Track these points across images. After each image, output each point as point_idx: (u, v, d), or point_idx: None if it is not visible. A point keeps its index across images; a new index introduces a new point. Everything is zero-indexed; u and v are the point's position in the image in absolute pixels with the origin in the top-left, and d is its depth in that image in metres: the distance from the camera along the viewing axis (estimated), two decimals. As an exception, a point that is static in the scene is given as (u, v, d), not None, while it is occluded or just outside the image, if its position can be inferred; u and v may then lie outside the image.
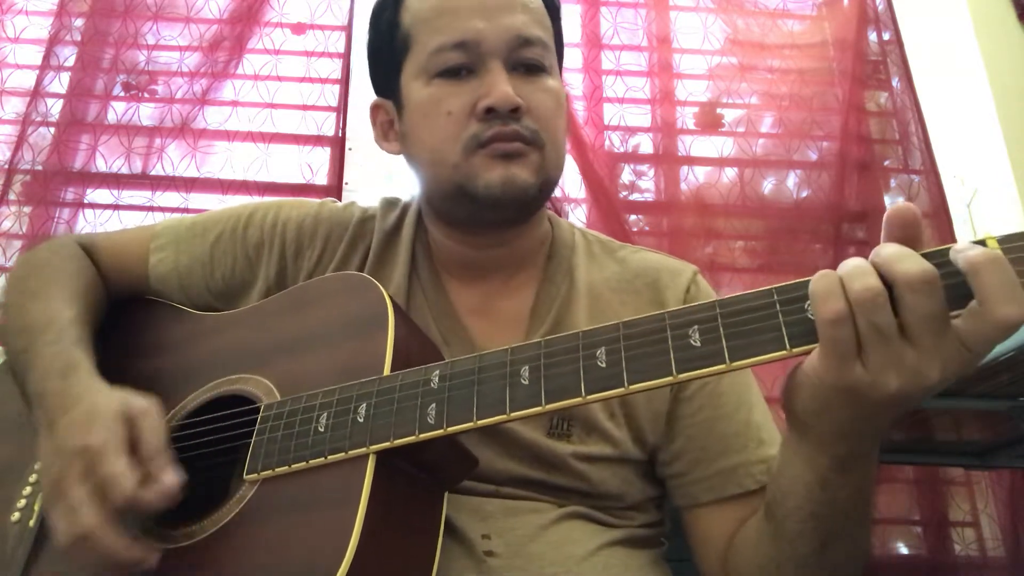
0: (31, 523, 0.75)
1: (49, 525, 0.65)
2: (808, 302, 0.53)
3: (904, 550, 1.81)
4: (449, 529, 0.74)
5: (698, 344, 0.55)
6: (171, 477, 0.65)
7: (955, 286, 0.50)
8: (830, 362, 0.52)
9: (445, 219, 0.88)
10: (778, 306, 0.54)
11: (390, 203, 0.96)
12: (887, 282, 0.51)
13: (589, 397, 0.58)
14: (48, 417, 0.70)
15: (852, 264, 0.52)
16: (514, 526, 0.75)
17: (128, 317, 0.93)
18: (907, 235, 0.53)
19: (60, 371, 0.74)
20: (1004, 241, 0.50)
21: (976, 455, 1.62)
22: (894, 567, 1.79)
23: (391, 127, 0.90)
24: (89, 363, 0.76)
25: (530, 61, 0.83)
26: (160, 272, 0.93)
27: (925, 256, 0.51)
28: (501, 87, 0.79)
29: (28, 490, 0.77)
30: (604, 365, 0.58)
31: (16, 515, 0.76)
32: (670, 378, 0.55)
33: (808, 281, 0.54)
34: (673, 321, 0.57)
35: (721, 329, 0.55)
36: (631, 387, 0.56)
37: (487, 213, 0.82)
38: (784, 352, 0.53)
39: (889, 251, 0.52)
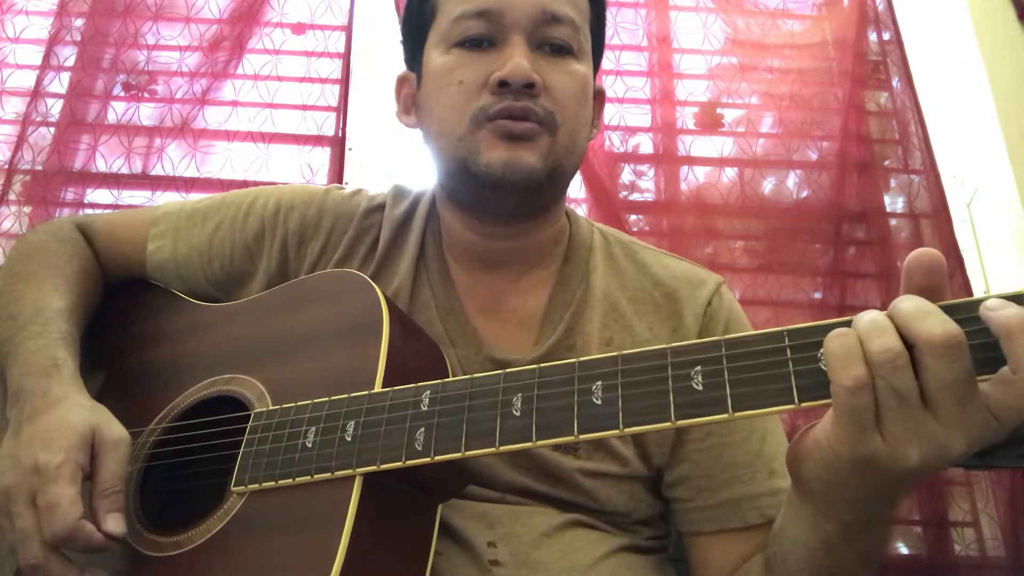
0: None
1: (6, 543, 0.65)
2: (821, 351, 0.48)
3: (904, 550, 1.80)
4: (454, 536, 0.73)
5: (700, 388, 0.52)
6: (114, 524, 0.63)
7: (984, 347, 0.45)
8: (847, 432, 0.48)
9: (455, 200, 0.84)
10: (789, 352, 0.50)
11: (401, 192, 0.93)
12: (907, 341, 0.46)
13: (582, 437, 0.55)
14: (20, 417, 0.69)
15: (868, 320, 0.48)
16: (519, 532, 0.74)
17: (128, 301, 0.91)
18: (930, 284, 0.49)
19: (42, 369, 0.72)
20: None
21: (976, 455, 1.61)
22: (894, 567, 1.78)
23: (413, 101, 0.87)
24: (73, 363, 0.75)
25: (556, 41, 0.78)
26: (157, 260, 0.91)
27: (949, 310, 0.46)
28: (517, 59, 0.75)
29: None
30: (599, 402, 0.55)
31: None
32: (668, 423, 0.52)
33: (823, 326, 0.49)
34: (675, 359, 0.54)
35: (726, 373, 0.52)
36: (626, 430, 0.54)
37: (489, 195, 0.78)
38: (792, 406, 0.49)
39: (908, 306, 0.47)
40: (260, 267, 0.89)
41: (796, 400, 0.49)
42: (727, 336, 0.54)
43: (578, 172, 1.90)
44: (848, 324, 0.49)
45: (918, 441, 0.47)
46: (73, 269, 0.86)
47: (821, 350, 0.49)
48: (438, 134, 0.81)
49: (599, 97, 0.90)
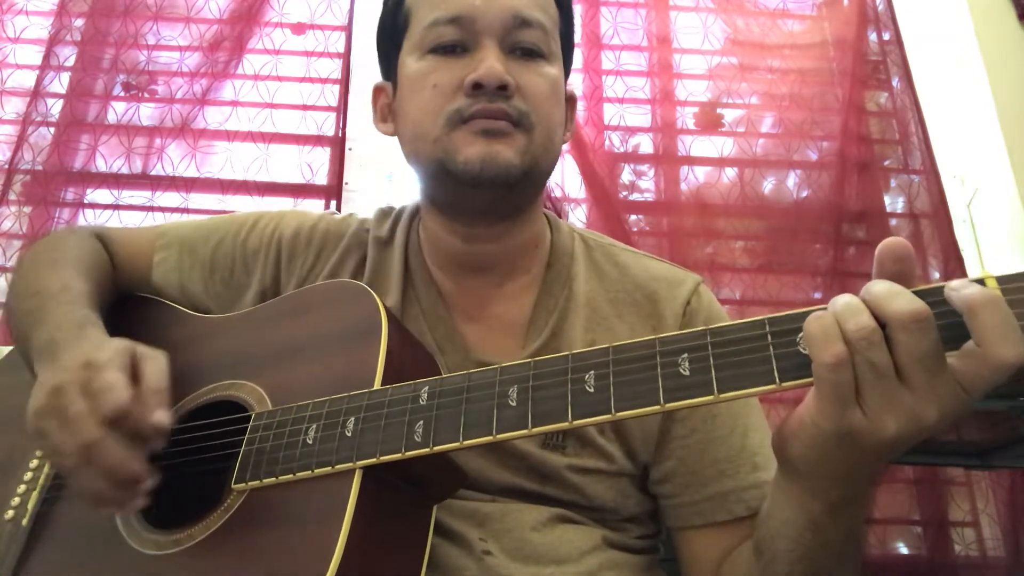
0: (24, 522, 0.75)
1: (45, 445, 0.66)
2: (800, 335, 0.52)
3: (904, 550, 1.81)
4: (448, 533, 0.74)
5: (687, 373, 0.54)
6: (162, 416, 0.66)
7: (951, 326, 0.49)
8: (830, 408, 0.51)
9: (435, 203, 0.86)
10: (770, 338, 0.53)
11: (384, 213, 0.95)
12: (880, 321, 0.49)
13: (575, 422, 0.57)
14: (53, 356, 0.71)
15: (843, 302, 0.51)
16: (510, 527, 0.75)
17: (126, 315, 0.93)
18: (899, 270, 0.52)
19: (75, 323, 0.76)
20: (1004, 281, 0.49)
21: (976, 455, 1.62)
22: (894, 567, 1.78)
23: (389, 109, 0.89)
24: (101, 324, 0.78)
25: (527, 44, 0.80)
26: (162, 271, 0.94)
27: (919, 294, 0.50)
28: (490, 62, 0.77)
29: (23, 488, 0.77)
30: (592, 390, 0.57)
31: (10, 513, 0.76)
32: (657, 407, 0.55)
33: (800, 313, 0.52)
34: (663, 348, 0.56)
35: (711, 359, 0.54)
36: (618, 414, 0.56)
37: (467, 193, 0.79)
38: (773, 386, 0.52)
39: (879, 288, 0.50)
40: (255, 280, 0.92)
41: (777, 381, 0.52)
42: (712, 326, 0.56)
43: (578, 172, 1.95)
44: (824, 310, 0.52)
45: (894, 412, 0.50)
46: (92, 262, 0.90)
47: (799, 335, 0.52)
48: (413, 137, 0.82)
49: (571, 102, 0.92)
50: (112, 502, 0.65)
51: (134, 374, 0.68)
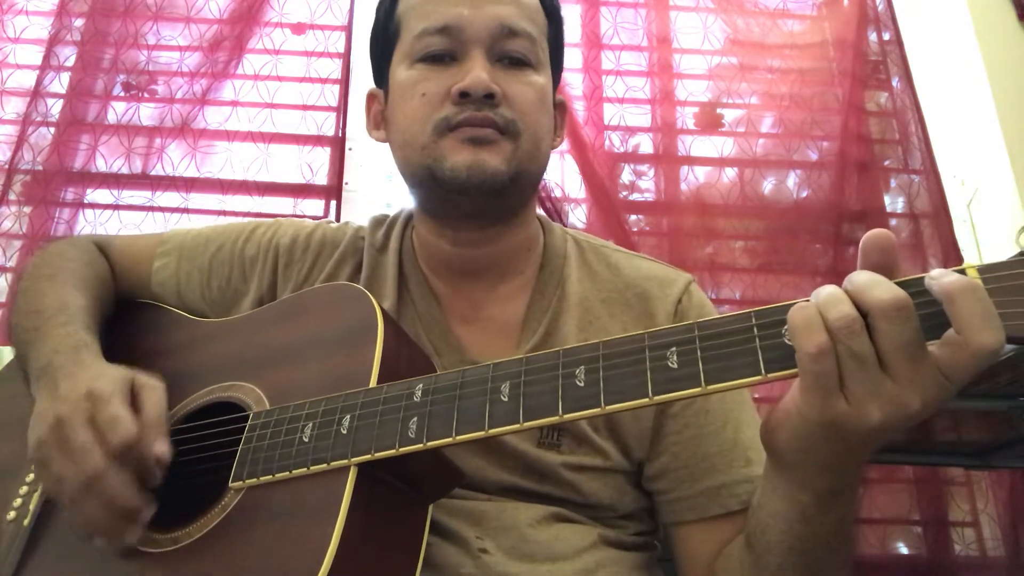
0: (26, 522, 0.75)
1: (46, 474, 0.67)
2: (785, 327, 0.52)
3: (904, 550, 1.81)
4: (444, 532, 0.75)
5: (675, 366, 0.55)
6: (163, 447, 0.67)
7: (932, 315, 0.50)
8: (814, 397, 0.52)
9: (426, 209, 0.87)
10: (756, 330, 0.54)
11: (378, 221, 0.97)
12: (861, 310, 0.50)
13: (566, 416, 0.58)
14: (54, 379, 0.72)
15: (826, 293, 0.52)
16: (506, 525, 0.76)
17: (127, 320, 0.94)
18: (883, 261, 0.53)
19: (71, 347, 0.76)
20: (984, 271, 0.50)
21: (976, 455, 1.62)
22: (894, 567, 1.78)
23: (382, 116, 0.90)
24: (97, 347, 0.79)
25: (514, 53, 0.82)
26: (161, 277, 0.96)
27: (901, 284, 0.50)
28: (477, 71, 0.79)
29: (25, 489, 0.78)
30: (582, 384, 0.58)
31: (12, 513, 0.76)
32: (646, 400, 0.55)
33: (786, 305, 0.53)
34: (652, 342, 0.57)
35: (699, 352, 0.55)
36: (607, 407, 0.56)
37: (455, 199, 0.80)
38: (759, 377, 0.53)
39: (861, 279, 0.51)
40: (252, 287, 0.93)
41: (763, 372, 0.53)
42: (700, 320, 0.57)
43: (578, 172, 1.95)
44: (809, 301, 0.53)
45: (878, 401, 0.50)
46: (91, 274, 0.92)
47: (784, 327, 0.52)
48: (402, 143, 0.83)
49: (560, 108, 0.93)
50: (107, 532, 0.66)
51: (133, 404, 0.69)
